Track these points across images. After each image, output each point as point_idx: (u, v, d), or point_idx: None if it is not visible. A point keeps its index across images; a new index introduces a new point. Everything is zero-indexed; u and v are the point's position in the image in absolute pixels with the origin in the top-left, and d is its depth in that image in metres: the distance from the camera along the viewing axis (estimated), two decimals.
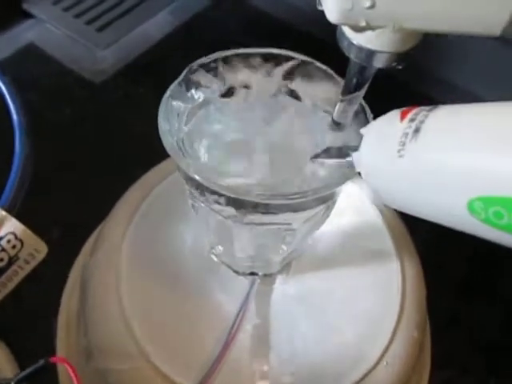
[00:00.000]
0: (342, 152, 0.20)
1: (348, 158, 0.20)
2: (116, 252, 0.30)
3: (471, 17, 0.16)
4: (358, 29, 0.17)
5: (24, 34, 0.54)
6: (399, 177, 0.16)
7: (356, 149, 0.19)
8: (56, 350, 0.32)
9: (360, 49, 0.18)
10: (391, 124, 0.17)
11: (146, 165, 0.34)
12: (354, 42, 0.18)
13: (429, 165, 0.15)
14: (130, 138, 0.45)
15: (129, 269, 0.29)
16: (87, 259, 0.33)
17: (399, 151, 0.16)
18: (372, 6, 0.16)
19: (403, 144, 0.16)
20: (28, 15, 0.55)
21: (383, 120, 0.18)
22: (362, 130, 0.19)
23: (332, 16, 0.17)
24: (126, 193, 0.33)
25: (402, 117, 0.16)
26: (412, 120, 0.16)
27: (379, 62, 0.18)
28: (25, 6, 0.55)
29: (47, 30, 0.55)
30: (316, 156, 0.22)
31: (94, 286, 0.30)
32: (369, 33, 0.17)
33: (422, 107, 0.16)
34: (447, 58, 0.50)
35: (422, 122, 0.15)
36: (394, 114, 0.17)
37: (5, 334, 0.29)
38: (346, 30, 0.18)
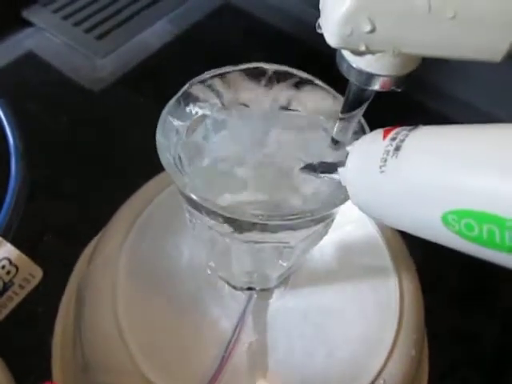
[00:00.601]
0: (331, 168, 0.21)
1: (335, 174, 0.20)
2: (113, 264, 0.30)
3: (471, 44, 0.16)
4: (357, 53, 0.17)
5: (23, 42, 0.54)
6: (381, 191, 0.17)
7: (343, 165, 0.20)
8: (52, 365, 0.31)
9: (359, 72, 0.18)
10: (374, 142, 0.18)
11: (145, 173, 0.34)
12: (354, 66, 0.18)
13: (407, 180, 0.16)
14: (129, 147, 0.45)
15: (125, 282, 0.29)
16: (84, 270, 0.33)
17: (381, 167, 0.17)
18: (372, 31, 0.16)
19: (385, 161, 0.16)
20: (27, 23, 0.55)
21: (367, 138, 0.19)
22: (348, 148, 0.20)
23: (332, 40, 0.17)
24: (126, 202, 0.33)
25: (385, 135, 0.17)
26: (393, 139, 0.17)
27: (379, 85, 0.18)
28: (24, 14, 0.55)
29: (46, 38, 0.55)
30: (306, 169, 0.23)
31: (89, 298, 0.30)
32: (368, 56, 0.17)
33: (404, 127, 0.17)
34: (448, 70, 0.50)
35: (402, 140, 0.16)
36: (378, 133, 0.18)
37: (3, 352, 0.29)
38: (346, 54, 0.18)
